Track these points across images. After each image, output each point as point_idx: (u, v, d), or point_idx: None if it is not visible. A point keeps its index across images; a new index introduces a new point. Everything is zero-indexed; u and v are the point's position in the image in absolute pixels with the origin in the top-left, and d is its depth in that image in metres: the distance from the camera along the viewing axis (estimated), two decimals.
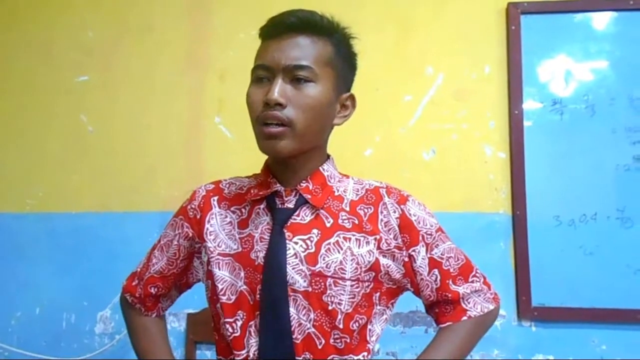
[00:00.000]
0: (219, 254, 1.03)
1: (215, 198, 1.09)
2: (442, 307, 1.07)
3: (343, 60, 1.02)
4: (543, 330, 1.83)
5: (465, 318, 1.05)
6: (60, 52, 2.12)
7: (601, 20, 1.90)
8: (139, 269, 1.18)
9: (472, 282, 1.07)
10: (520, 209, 1.85)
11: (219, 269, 1.02)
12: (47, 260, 2.02)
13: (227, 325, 1.00)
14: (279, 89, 0.93)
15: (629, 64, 1.88)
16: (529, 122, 1.90)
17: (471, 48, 1.97)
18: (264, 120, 0.94)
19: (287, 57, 0.95)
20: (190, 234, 1.09)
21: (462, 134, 1.94)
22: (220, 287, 1.01)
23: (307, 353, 0.96)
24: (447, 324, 1.06)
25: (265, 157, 1.10)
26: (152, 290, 1.13)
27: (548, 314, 1.81)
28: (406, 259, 1.02)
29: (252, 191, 1.06)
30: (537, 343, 1.82)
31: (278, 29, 0.98)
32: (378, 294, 1.02)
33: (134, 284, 1.16)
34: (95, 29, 2.12)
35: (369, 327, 1.02)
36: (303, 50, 0.96)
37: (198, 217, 1.08)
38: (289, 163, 1.01)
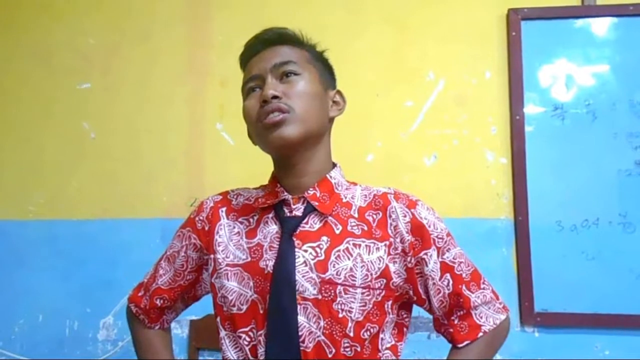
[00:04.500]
0: (227, 265, 1.03)
1: (224, 209, 1.10)
2: (456, 324, 1.04)
3: (320, 63, 1.10)
4: (546, 336, 1.83)
5: (481, 334, 1.03)
6: (60, 58, 2.13)
7: (601, 25, 1.91)
8: (145, 280, 1.18)
9: (484, 289, 1.05)
10: (522, 215, 1.85)
11: (228, 280, 1.02)
12: (49, 267, 2.01)
13: (244, 335, 0.99)
14: (272, 86, 0.99)
15: (630, 69, 1.88)
16: (530, 127, 1.90)
17: (472, 53, 1.97)
18: (265, 115, 0.98)
19: (272, 60, 1.03)
20: (199, 246, 1.10)
21: (464, 140, 1.94)
22: (230, 298, 1.01)
23: None
24: (465, 343, 1.03)
25: (270, 165, 1.10)
26: (158, 302, 1.14)
27: (551, 320, 1.81)
28: (409, 265, 1.01)
29: (259, 200, 1.07)
30: (540, 349, 1.82)
31: (258, 45, 1.07)
32: (390, 302, 1.00)
33: (139, 294, 1.17)
34: (95, 36, 2.13)
35: (381, 335, 1.00)
36: (284, 52, 1.04)
37: (207, 228, 1.09)
38: (295, 164, 1.02)
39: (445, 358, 1.05)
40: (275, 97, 0.97)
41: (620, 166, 1.84)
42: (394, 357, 1.03)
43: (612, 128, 1.86)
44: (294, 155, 1.02)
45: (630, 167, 1.84)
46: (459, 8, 2.00)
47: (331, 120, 1.09)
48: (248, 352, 0.99)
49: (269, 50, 1.04)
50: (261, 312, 0.98)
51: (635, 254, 1.80)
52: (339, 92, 1.12)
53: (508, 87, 1.93)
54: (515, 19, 1.93)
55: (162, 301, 1.14)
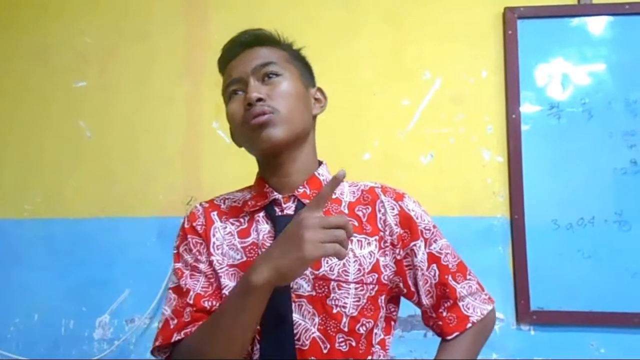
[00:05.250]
0: (227, 265, 1.02)
1: (215, 213, 1.09)
2: (444, 317, 1.05)
3: (299, 62, 1.10)
4: (542, 334, 1.83)
5: (469, 325, 1.04)
6: (57, 57, 2.13)
7: (597, 24, 1.91)
8: (168, 313, 1.00)
9: (469, 280, 1.07)
10: (518, 213, 1.86)
11: (230, 281, 1.01)
12: (46, 266, 2.01)
13: None
14: (255, 88, 0.99)
15: (626, 68, 1.88)
16: (526, 126, 1.90)
17: (468, 52, 1.98)
18: (250, 118, 0.98)
19: (252, 62, 1.02)
20: (205, 247, 1.04)
21: (460, 138, 1.95)
22: None
23: (312, 358, 0.95)
24: (454, 334, 1.04)
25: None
26: (207, 305, 0.97)
27: (546, 318, 1.82)
28: (398, 257, 1.03)
29: (249, 203, 1.06)
30: (536, 346, 1.82)
31: (236, 49, 1.06)
32: (383, 297, 1.01)
33: (172, 326, 0.98)
34: (92, 35, 2.13)
35: (375, 330, 1.01)
36: (264, 53, 1.04)
37: (205, 231, 1.07)
38: (282, 164, 1.03)
39: (436, 354, 1.06)
40: (259, 99, 0.98)
41: (615, 165, 1.85)
42: (382, 352, 1.03)
43: (607, 127, 1.86)
44: (280, 156, 1.02)
45: (626, 166, 1.84)
46: (456, 7, 2.00)
47: (314, 117, 1.10)
48: (250, 351, 0.98)
49: (247, 53, 1.04)
50: None
51: (630, 252, 1.81)
52: (319, 90, 1.12)
53: (504, 86, 1.94)
54: (511, 17, 1.93)
55: (210, 303, 0.98)
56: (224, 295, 0.99)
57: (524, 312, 1.82)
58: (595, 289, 1.80)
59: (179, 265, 1.05)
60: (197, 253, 1.04)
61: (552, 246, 1.83)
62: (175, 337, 0.96)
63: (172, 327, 0.97)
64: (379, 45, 2.02)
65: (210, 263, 1.02)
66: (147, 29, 2.11)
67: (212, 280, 1.01)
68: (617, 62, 1.89)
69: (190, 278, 1.02)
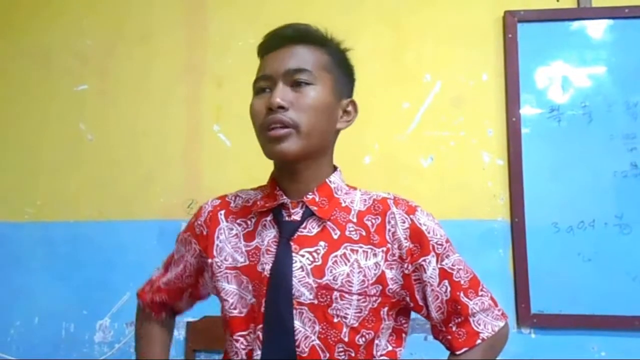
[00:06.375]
0: (226, 268, 1.02)
1: (222, 212, 1.09)
2: (454, 331, 1.03)
3: (339, 68, 1.05)
4: (542, 337, 1.83)
5: (479, 341, 1.02)
6: (58, 60, 2.13)
7: (597, 28, 1.91)
8: (154, 277, 1.23)
9: (482, 296, 1.04)
10: (518, 216, 1.85)
11: (228, 283, 1.01)
12: (46, 269, 2.01)
13: (242, 339, 0.99)
14: (281, 93, 0.95)
15: (626, 71, 1.88)
16: (526, 129, 1.90)
17: (469, 56, 1.98)
18: (269, 125, 0.95)
19: (286, 63, 0.98)
20: (198, 251, 1.10)
21: (460, 141, 1.95)
22: (230, 301, 1.01)
23: None
24: (463, 350, 1.02)
25: (267, 167, 1.09)
26: (157, 299, 1.20)
27: (547, 321, 1.81)
28: (406, 271, 1.00)
29: (258, 203, 1.06)
30: (537, 350, 1.82)
31: (275, 41, 1.02)
32: (386, 309, 1.00)
33: (146, 290, 1.23)
34: (93, 37, 2.13)
35: (376, 342, 1.00)
36: (301, 56, 0.99)
37: (205, 233, 1.08)
38: (296, 171, 1.01)
39: None
40: (281, 107, 0.94)
41: (616, 168, 1.85)
42: None
43: (608, 130, 1.86)
44: (294, 164, 1.00)
45: (626, 169, 1.84)
46: (456, 10, 2.00)
47: (338, 131, 1.06)
48: (244, 355, 0.99)
49: (286, 50, 1.00)
50: (258, 316, 0.97)
51: (631, 255, 1.81)
52: (352, 102, 1.08)
53: (504, 88, 1.94)
54: (511, 21, 1.94)
55: (161, 299, 1.20)
56: (221, 297, 1.04)
57: (524, 316, 1.81)
58: (595, 292, 1.80)
59: (177, 245, 1.19)
60: (186, 253, 1.14)
61: (553, 249, 1.83)
62: (140, 303, 1.23)
63: (145, 290, 1.22)
64: (379, 48, 2.02)
65: (197, 260, 1.12)
66: (147, 30, 2.11)
67: (178, 281, 1.17)
68: (617, 65, 1.89)
69: (173, 265, 1.19)
